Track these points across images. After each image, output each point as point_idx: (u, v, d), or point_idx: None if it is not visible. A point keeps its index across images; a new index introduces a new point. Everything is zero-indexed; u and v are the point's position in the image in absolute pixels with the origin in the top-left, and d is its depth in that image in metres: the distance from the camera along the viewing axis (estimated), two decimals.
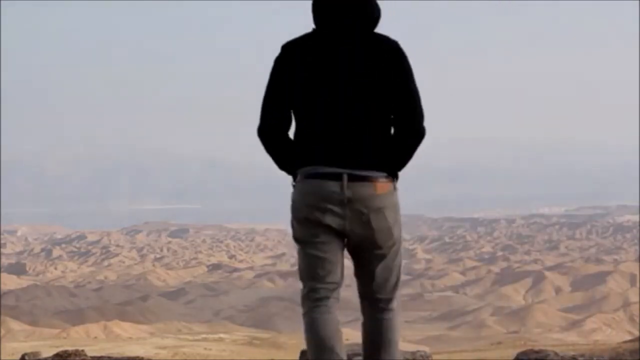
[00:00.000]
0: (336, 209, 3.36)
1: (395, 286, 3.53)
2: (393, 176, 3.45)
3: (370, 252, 3.46)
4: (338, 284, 3.48)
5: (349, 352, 6.31)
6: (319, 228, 3.40)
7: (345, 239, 3.46)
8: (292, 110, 3.44)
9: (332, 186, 3.35)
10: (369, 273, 3.49)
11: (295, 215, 3.45)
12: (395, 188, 3.47)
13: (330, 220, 3.38)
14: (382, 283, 3.49)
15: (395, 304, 3.55)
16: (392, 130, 3.46)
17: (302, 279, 3.52)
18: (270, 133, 3.44)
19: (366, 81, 3.36)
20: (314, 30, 3.46)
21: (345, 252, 3.54)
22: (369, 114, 3.37)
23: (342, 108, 3.35)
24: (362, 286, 3.54)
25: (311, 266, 3.46)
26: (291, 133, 3.53)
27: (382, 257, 3.46)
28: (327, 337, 3.39)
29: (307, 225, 3.42)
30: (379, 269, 3.47)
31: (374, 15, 3.42)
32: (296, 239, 3.50)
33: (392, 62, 3.37)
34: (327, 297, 3.46)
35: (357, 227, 3.39)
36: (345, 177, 3.34)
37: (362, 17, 3.40)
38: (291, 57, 3.42)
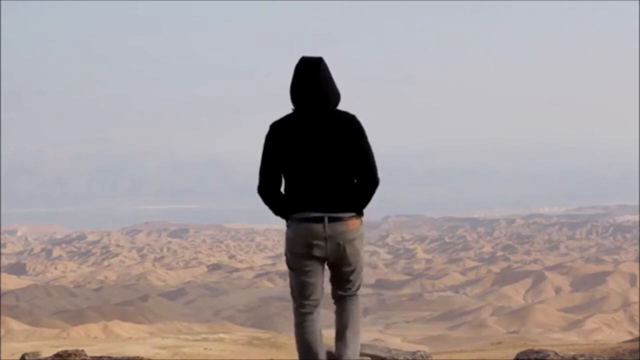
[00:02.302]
0: (321, 243, 4.77)
1: (359, 287, 5.02)
2: (359, 214, 4.86)
3: (343, 268, 4.90)
4: (319, 300, 4.93)
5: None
6: (308, 259, 4.82)
7: (326, 262, 4.88)
8: (281, 173, 4.82)
9: (318, 227, 4.75)
10: (341, 281, 4.97)
11: (291, 249, 4.84)
12: (361, 222, 4.88)
13: (317, 252, 4.79)
14: (350, 287, 4.98)
15: (357, 295, 5.03)
16: (355, 181, 4.84)
17: (293, 296, 4.94)
18: (266, 191, 4.86)
19: (334, 147, 4.74)
20: (293, 111, 4.84)
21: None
22: (338, 171, 4.76)
23: (318, 168, 4.74)
24: (336, 288, 5.02)
25: (301, 288, 4.88)
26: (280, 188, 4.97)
27: (352, 271, 4.92)
28: (313, 342, 4.82)
29: (299, 257, 4.82)
30: (348, 279, 4.94)
31: (336, 98, 4.85)
32: (290, 267, 4.90)
33: (351, 130, 4.77)
34: (312, 312, 4.89)
35: (336, 253, 4.82)
36: (326, 219, 4.75)
37: (327, 100, 4.80)
38: (277, 133, 4.80)
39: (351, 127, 4.76)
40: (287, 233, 4.87)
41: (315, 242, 4.75)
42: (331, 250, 4.78)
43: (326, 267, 4.96)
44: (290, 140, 4.74)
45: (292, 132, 4.75)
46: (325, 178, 4.74)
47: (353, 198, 4.80)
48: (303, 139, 4.74)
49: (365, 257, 5.02)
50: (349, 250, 4.81)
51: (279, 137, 4.77)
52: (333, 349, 5.03)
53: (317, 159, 4.74)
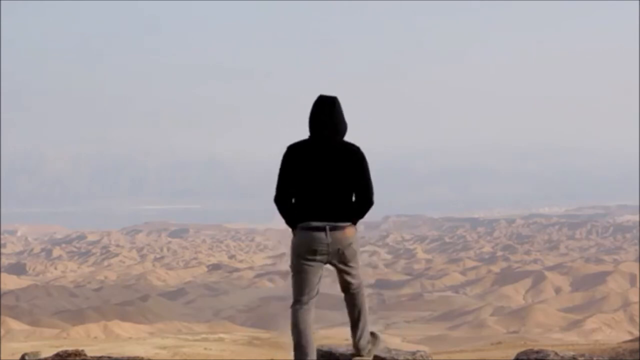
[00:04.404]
0: (324, 248, 5.73)
1: (361, 282, 5.98)
2: (354, 224, 5.82)
3: (344, 267, 5.85)
4: (314, 297, 5.84)
5: (348, 352, 6.39)
6: (311, 261, 5.77)
7: (327, 265, 5.83)
8: (294, 187, 5.77)
9: (320, 234, 5.72)
10: (344, 277, 5.91)
11: (297, 253, 5.79)
12: (356, 230, 5.83)
13: (319, 255, 5.76)
14: (352, 281, 5.93)
15: (360, 287, 5.99)
16: (354, 199, 5.81)
17: (294, 292, 5.84)
18: (281, 202, 5.82)
19: (338, 171, 5.72)
20: (309, 137, 5.81)
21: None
22: (340, 190, 5.73)
23: (323, 187, 5.71)
24: (342, 283, 5.96)
25: (301, 286, 5.80)
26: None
27: (351, 269, 5.89)
28: (305, 329, 5.72)
29: (303, 260, 5.78)
30: (349, 273, 5.90)
31: (343, 130, 5.84)
32: (293, 268, 5.83)
33: (354, 160, 5.75)
34: (307, 303, 5.79)
35: (336, 256, 5.79)
36: (327, 228, 5.72)
37: (336, 131, 5.79)
38: (293, 154, 5.77)
39: (355, 157, 5.76)
40: (293, 240, 5.81)
41: (318, 247, 5.71)
42: (333, 253, 5.75)
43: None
44: (303, 162, 5.74)
45: (305, 155, 5.75)
46: (328, 195, 5.72)
47: (350, 212, 5.78)
48: (314, 162, 5.73)
49: (362, 258, 5.53)
50: (347, 252, 5.77)
51: (294, 158, 5.76)
52: (333, 348, 5.94)
53: (323, 179, 5.72)
